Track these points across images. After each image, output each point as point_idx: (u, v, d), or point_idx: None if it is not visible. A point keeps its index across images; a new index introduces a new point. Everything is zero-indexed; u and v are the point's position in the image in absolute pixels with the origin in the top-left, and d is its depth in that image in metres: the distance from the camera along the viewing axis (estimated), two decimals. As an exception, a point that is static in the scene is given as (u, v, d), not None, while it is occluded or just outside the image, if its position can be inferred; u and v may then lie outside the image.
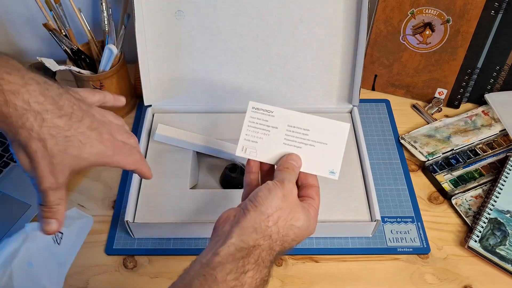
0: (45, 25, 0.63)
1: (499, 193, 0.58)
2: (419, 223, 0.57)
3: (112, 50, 0.62)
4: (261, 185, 0.39)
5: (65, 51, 0.64)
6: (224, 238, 0.36)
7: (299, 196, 0.41)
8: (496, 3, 0.61)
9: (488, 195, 0.59)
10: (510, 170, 0.60)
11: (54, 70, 0.59)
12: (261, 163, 0.43)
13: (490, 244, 0.54)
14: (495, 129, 0.67)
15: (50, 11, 0.63)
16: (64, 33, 0.65)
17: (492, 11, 0.62)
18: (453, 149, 0.65)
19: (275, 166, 0.42)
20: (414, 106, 0.72)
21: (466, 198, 0.60)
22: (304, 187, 0.42)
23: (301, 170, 0.42)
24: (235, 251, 0.34)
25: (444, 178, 0.62)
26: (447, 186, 0.61)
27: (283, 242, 0.37)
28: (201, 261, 0.34)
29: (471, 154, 0.65)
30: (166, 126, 0.61)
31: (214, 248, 0.35)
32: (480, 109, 0.70)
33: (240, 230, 0.36)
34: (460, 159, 0.64)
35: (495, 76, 0.69)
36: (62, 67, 0.61)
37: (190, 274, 0.33)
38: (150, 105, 0.65)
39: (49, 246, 0.50)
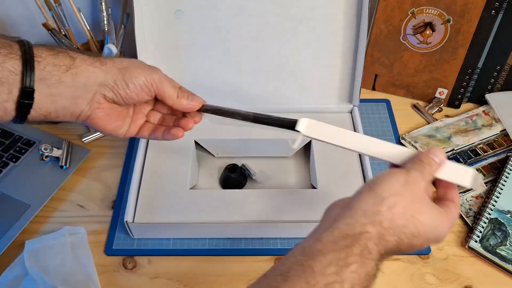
0: (44, 24, 0.62)
1: (499, 193, 0.58)
2: (419, 224, 0.57)
3: (111, 50, 0.62)
4: None
5: (65, 50, 0.64)
6: (331, 221, 0.32)
7: (434, 201, 0.35)
8: (496, 2, 0.61)
9: (488, 195, 0.59)
10: (510, 170, 0.60)
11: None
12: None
13: (490, 245, 0.54)
14: (496, 129, 0.67)
15: (50, 10, 0.63)
16: (63, 33, 0.65)
17: (493, 11, 0.62)
18: (453, 149, 0.64)
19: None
20: (414, 106, 0.72)
21: (467, 198, 0.59)
22: (440, 200, 0.36)
23: (442, 177, 0.36)
24: (339, 237, 0.30)
25: (445, 178, 0.62)
26: (447, 186, 0.61)
27: (399, 234, 0.31)
28: (303, 246, 0.31)
29: (471, 154, 0.64)
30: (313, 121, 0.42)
31: (318, 233, 0.31)
32: (481, 109, 0.70)
33: (349, 213, 0.31)
34: (461, 159, 0.64)
35: (495, 76, 0.69)
36: (62, 67, 0.60)
37: (289, 260, 0.30)
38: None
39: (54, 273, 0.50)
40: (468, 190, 0.60)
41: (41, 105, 0.38)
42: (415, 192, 0.32)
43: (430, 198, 0.34)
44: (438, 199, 0.36)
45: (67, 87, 0.39)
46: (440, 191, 0.37)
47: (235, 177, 0.59)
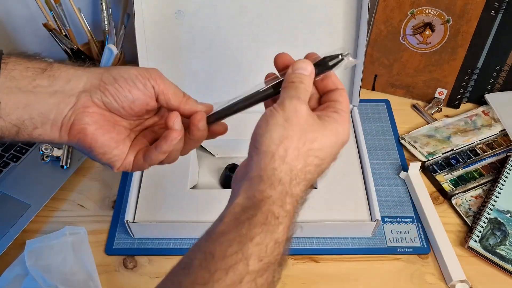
0: (45, 25, 0.63)
1: (499, 193, 0.58)
2: (419, 223, 0.57)
3: (112, 50, 0.62)
4: None
5: (65, 51, 0.64)
6: (233, 197, 0.30)
7: (320, 106, 0.33)
8: (496, 3, 0.61)
9: (488, 195, 0.59)
10: (510, 170, 0.60)
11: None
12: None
13: (490, 244, 0.54)
14: (495, 129, 0.67)
15: (50, 11, 0.63)
16: (64, 33, 0.65)
17: (492, 11, 0.62)
18: (453, 149, 0.65)
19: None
20: (414, 106, 0.72)
21: (466, 198, 0.60)
22: (325, 95, 0.34)
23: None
24: (240, 212, 0.28)
25: (444, 178, 0.62)
26: (447, 186, 0.61)
27: (304, 176, 0.30)
28: (208, 230, 0.29)
29: (471, 154, 0.65)
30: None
31: (222, 213, 0.29)
32: (480, 109, 0.70)
33: (247, 183, 0.29)
34: (460, 159, 0.64)
35: (495, 76, 0.69)
36: (62, 67, 0.61)
37: (193, 250, 0.28)
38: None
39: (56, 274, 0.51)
40: (468, 190, 0.60)
41: (10, 111, 0.32)
42: (299, 123, 0.30)
43: (310, 113, 0.31)
44: (322, 104, 0.34)
45: (43, 91, 0.33)
46: (321, 94, 0.35)
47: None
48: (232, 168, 0.60)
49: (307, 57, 0.34)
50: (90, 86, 0.34)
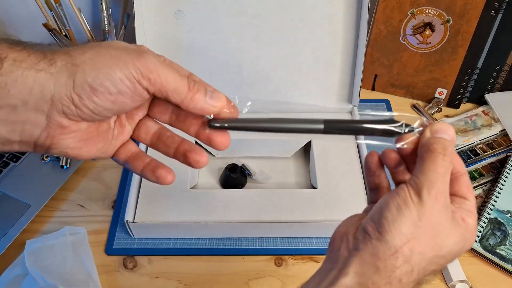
0: (45, 25, 0.62)
1: (499, 193, 0.58)
2: (419, 223, 0.57)
3: (112, 50, 0.62)
4: (391, 190, 0.28)
5: (65, 51, 0.64)
6: (339, 268, 0.27)
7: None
8: (496, 3, 0.61)
9: (488, 195, 0.59)
10: (510, 170, 0.60)
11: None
12: (389, 151, 0.31)
13: (490, 244, 0.54)
14: (495, 129, 0.67)
15: (50, 11, 0.63)
16: (64, 33, 0.65)
17: (492, 11, 0.62)
18: (453, 149, 0.64)
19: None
20: (414, 106, 0.72)
21: (466, 198, 0.60)
22: (450, 178, 0.29)
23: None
24: None
25: (444, 178, 0.62)
26: (447, 186, 0.61)
27: (419, 279, 0.27)
28: None
29: (471, 154, 0.64)
30: None
31: (327, 280, 0.27)
32: (480, 109, 0.70)
33: (359, 263, 0.26)
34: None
35: (495, 76, 0.69)
36: (62, 67, 0.61)
37: None
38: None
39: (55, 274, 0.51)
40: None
41: None
42: (432, 223, 0.26)
43: (447, 207, 0.27)
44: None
45: None
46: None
47: (235, 177, 0.59)
48: (232, 168, 0.60)
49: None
50: (60, 98, 0.26)
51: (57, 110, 0.26)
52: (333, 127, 0.29)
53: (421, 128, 0.29)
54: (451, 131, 0.28)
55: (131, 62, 0.26)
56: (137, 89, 0.27)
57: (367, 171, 0.32)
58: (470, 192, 0.29)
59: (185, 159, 0.32)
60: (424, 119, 0.29)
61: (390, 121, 0.29)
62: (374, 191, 0.32)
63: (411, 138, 0.29)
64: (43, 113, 0.26)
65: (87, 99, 0.26)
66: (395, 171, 0.31)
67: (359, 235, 0.27)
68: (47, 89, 0.25)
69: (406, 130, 0.29)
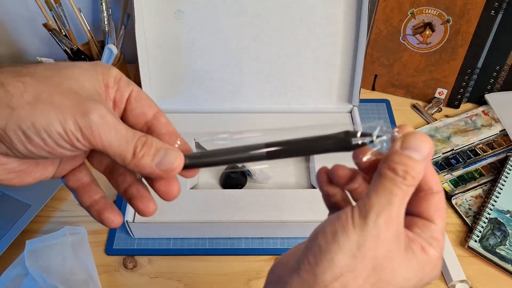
0: (45, 25, 0.62)
1: (499, 193, 0.58)
2: (419, 223, 0.57)
3: (112, 50, 0.62)
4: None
5: (65, 51, 0.64)
6: None
7: (406, 215, 0.24)
8: (496, 3, 0.61)
9: (488, 195, 0.59)
10: (510, 170, 0.60)
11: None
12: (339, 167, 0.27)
13: (490, 244, 0.54)
14: (495, 129, 0.67)
15: (50, 11, 0.63)
16: (64, 33, 0.65)
17: (492, 11, 0.62)
18: (453, 149, 0.64)
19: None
20: (414, 106, 0.72)
21: (466, 198, 0.60)
22: (417, 195, 0.25)
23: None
24: None
25: (444, 178, 0.62)
26: (447, 186, 0.61)
27: None
28: None
29: (471, 154, 0.64)
30: None
31: None
32: (480, 109, 0.70)
33: None
34: (460, 159, 0.64)
35: (495, 76, 0.69)
36: (62, 67, 0.61)
37: None
38: (150, 105, 0.65)
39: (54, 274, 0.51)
40: (468, 190, 0.60)
41: None
42: (376, 257, 0.22)
43: (400, 233, 0.23)
44: (409, 220, 0.25)
45: None
46: (409, 207, 0.25)
47: (235, 177, 0.59)
48: (232, 168, 0.60)
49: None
50: None
51: None
52: (277, 152, 0.25)
53: (385, 137, 0.24)
54: (424, 150, 0.23)
55: (73, 118, 0.23)
56: (76, 145, 0.24)
57: (320, 190, 0.28)
58: (439, 215, 0.24)
59: (131, 205, 0.29)
60: (396, 130, 0.24)
61: (345, 134, 0.26)
62: (332, 211, 0.28)
63: (369, 153, 0.25)
64: None
65: (20, 144, 0.23)
66: (353, 190, 0.27)
67: (294, 265, 0.24)
68: None
69: (366, 142, 0.25)
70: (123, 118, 0.28)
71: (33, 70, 0.24)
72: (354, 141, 0.25)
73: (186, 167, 0.27)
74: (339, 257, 0.22)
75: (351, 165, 0.27)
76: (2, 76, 0.23)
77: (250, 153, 0.26)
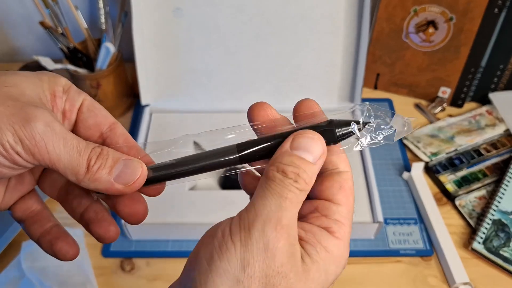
0: (41, 23, 0.62)
1: (503, 194, 0.57)
2: (422, 225, 0.56)
3: (109, 48, 0.61)
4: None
5: (62, 49, 0.63)
6: None
7: (301, 214, 0.22)
8: (499, 1, 0.60)
9: (492, 196, 0.58)
10: (514, 170, 0.60)
11: (51, 69, 0.59)
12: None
13: (494, 246, 0.53)
14: (499, 129, 0.66)
15: (47, 8, 0.62)
16: (60, 31, 0.64)
17: (496, 9, 0.61)
18: (456, 149, 0.64)
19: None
20: (417, 106, 0.71)
21: (470, 199, 0.59)
22: (320, 176, 0.22)
23: None
24: None
25: (448, 179, 0.61)
26: (450, 187, 0.60)
27: None
28: None
29: (474, 154, 0.64)
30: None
31: None
32: (484, 108, 0.69)
33: None
34: (464, 160, 0.63)
35: (499, 75, 0.68)
36: (59, 66, 0.60)
37: None
38: (148, 105, 0.64)
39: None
40: (472, 191, 0.59)
41: None
42: (267, 273, 0.19)
43: (298, 244, 0.20)
44: (307, 206, 0.22)
45: None
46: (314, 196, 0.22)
47: (234, 177, 0.58)
48: (231, 169, 0.59)
49: (298, 109, 0.23)
50: None
51: None
52: (250, 155, 0.22)
53: (375, 122, 0.22)
54: (317, 151, 0.20)
55: (11, 128, 0.20)
56: (16, 161, 0.21)
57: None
58: (344, 196, 0.22)
59: (88, 231, 0.26)
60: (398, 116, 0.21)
61: (328, 123, 0.22)
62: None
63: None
64: None
65: None
66: None
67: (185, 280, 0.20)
68: None
69: (353, 130, 0.22)
70: (74, 130, 0.25)
71: None
72: (340, 131, 0.22)
73: (150, 181, 0.23)
74: (220, 282, 0.18)
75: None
76: None
77: (220, 160, 0.23)
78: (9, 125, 0.20)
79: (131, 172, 0.23)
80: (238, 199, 0.55)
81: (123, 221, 0.51)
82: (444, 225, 0.55)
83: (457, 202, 0.58)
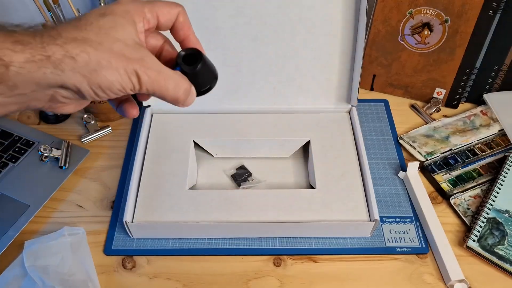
0: (43, 25, 0.62)
1: (497, 192, 0.58)
2: (417, 223, 0.57)
3: (110, 51, 0.62)
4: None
5: (64, 51, 0.64)
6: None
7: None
8: (494, 3, 0.61)
9: (486, 195, 0.59)
10: (508, 170, 0.61)
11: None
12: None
13: (488, 244, 0.54)
14: (494, 129, 0.67)
15: (49, 11, 0.63)
16: (62, 34, 0.65)
17: (490, 11, 0.62)
18: (451, 149, 0.65)
19: None
20: (412, 106, 0.72)
21: (465, 198, 0.60)
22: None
23: None
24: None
25: (443, 178, 0.62)
26: (445, 186, 0.61)
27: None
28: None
29: (469, 154, 0.65)
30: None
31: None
32: (479, 109, 0.70)
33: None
34: (459, 159, 0.64)
35: (493, 76, 0.69)
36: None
37: None
38: (149, 106, 0.65)
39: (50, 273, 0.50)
40: (467, 189, 0.60)
41: None
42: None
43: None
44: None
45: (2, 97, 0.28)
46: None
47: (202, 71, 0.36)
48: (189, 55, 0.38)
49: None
50: (61, 87, 0.29)
51: (63, 95, 0.30)
52: None
53: None
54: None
55: (129, 62, 0.29)
56: (133, 92, 0.31)
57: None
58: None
59: (119, 108, 0.36)
60: None
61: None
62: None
63: None
64: (48, 95, 0.29)
65: (89, 97, 0.30)
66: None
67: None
68: (55, 83, 0.28)
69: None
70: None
71: (86, 34, 0.29)
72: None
73: None
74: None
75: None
76: (69, 46, 0.28)
77: None
78: (128, 72, 0.29)
79: (192, 98, 0.35)
80: (237, 198, 0.56)
81: (124, 221, 0.52)
82: (439, 223, 0.56)
83: (452, 201, 0.59)
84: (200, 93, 0.35)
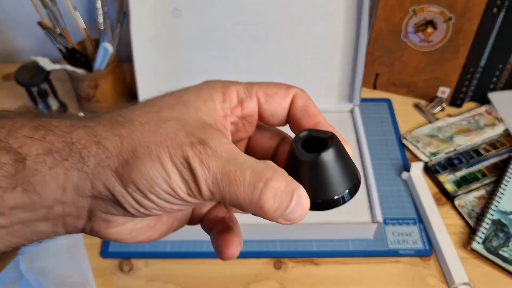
0: (40, 23, 0.61)
1: (502, 194, 0.57)
2: (421, 225, 0.56)
3: (107, 49, 0.61)
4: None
5: (60, 50, 0.63)
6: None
7: None
8: (498, 0, 0.60)
9: (491, 196, 0.58)
10: (513, 170, 0.59)
11: (49, 69, 0.59)
12: None
13: (493, 246, 0.53)
14: (499, 129, 0.66)
15: (45, 9, 0.62)
16: (59, 32, 0.64)
17: (495, 9, 0.61)
18: (455, 149, 0.64)
19: None
20: (416, 106, 0.71)
21: (469, 199, 0.59)
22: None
23: None
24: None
25: (447, 179, 0.61)
26: (449, 187, 0.60)
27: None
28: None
29: (474, 154, 0.64)
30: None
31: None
32: (483, 108, 0.69)
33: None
34: (463, 160, 0.63)
35: (498, 75, 0.68)
36: (57, 66, 0.60)
37: None
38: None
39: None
40: (471, 191, 0.59)
41: None
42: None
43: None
44: None
45: (23, 211, 0.19)
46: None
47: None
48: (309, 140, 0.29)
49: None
50: (98, 197, 0.20)
51: (100, 208, 0.20)
52: None
53: None
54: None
55: (179, 153, 0.19)
56: (189, 200, 0.20)
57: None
58: None
59: (213, 237, 0.25)
60: None
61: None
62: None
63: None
64: (83, 208, 0.21)
65: (129, 207, 0.20)
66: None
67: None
68: (84, 188, 0.20)
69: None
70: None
71: (129, 115, 0.20)
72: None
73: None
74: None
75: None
76: (99, 129, 0.20)
77: None
78: (177, 169, 0.19)
79: (300, 211, 0.20)
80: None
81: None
82: (443, 225, 0.55)
83: (456, 202, 0.58)
84: (317, 205, 0.20)
